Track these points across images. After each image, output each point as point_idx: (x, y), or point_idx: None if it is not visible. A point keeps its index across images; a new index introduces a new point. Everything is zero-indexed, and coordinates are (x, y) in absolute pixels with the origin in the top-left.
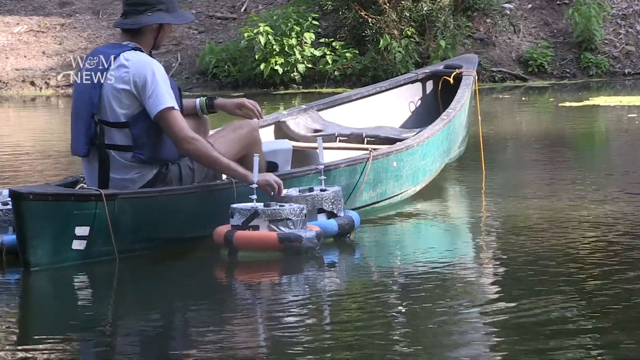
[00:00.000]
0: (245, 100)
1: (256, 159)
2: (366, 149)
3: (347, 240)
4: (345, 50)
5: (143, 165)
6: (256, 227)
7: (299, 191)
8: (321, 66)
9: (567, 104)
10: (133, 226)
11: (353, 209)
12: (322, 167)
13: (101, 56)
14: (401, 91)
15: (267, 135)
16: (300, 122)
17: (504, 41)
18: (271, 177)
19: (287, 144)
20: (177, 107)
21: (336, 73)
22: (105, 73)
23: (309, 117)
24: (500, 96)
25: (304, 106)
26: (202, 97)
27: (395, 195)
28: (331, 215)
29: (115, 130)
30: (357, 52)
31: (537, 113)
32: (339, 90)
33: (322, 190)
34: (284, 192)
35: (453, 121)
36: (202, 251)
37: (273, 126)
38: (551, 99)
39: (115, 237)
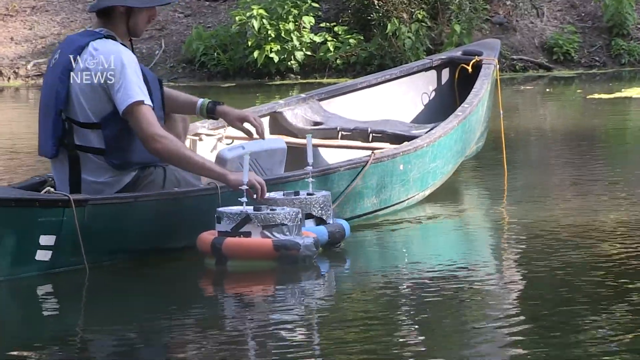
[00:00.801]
0: (250, 115)
1: (246, 158)
2: (372, 149)
3: (337, 250)
4: (349, 36)
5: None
6: (248, 234)
7: (284, 194)
8: (322, 54)
9: (597, 96)
10: (105, 235)
11: (353, 217)
12: (311, 167)
13: (72, 45)
14: (413, 80)
15: None
16: (298, 113)
17: (525, 26)
18: (255, 176)
19: (281, 143)
20: (148, 101)
21: (338, 61)
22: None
23: (308, 107)
24: (522, 87)
25: (303, 95)
26: (206, 99)
27: (401, 202)
28: (320, 221)
29: (87, 131)
30: (361, 38)
31: (562, 106)
32: (342, 80)
33: (309, 194)
34: (266, 194)
35: (469, 118)
36: (183, 261)
37: (268, 117)
38: (578, 91)
39: (86, 247)
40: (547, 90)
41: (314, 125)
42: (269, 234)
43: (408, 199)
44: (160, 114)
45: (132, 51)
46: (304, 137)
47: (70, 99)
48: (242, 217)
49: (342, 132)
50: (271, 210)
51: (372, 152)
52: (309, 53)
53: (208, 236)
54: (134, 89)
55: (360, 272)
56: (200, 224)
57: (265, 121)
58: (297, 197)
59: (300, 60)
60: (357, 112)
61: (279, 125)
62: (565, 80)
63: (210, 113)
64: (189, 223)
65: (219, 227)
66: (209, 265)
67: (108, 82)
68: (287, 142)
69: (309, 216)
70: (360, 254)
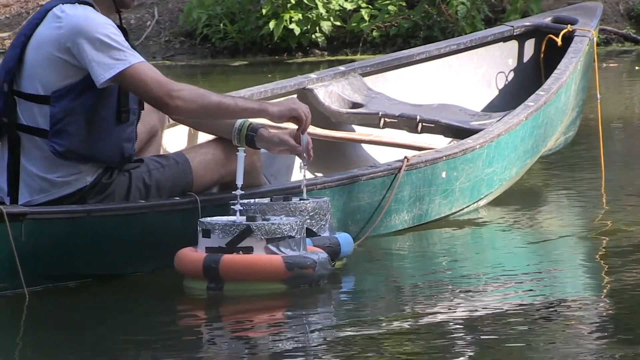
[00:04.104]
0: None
1: (241, 155)
2: (411, 147)
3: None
4: (388, 2)
5: (68, 163)
6: (249, 249)
7: (271, 199)
8: (354, 24)
9: None
10: (50, 256)
11: (375, 237)
12: (306, 166)
13: (38, 12)
14: (487, 52)
15: None
16: (334, 90)
17: None
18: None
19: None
20: (140, 58)
21: (374, 34)
22: (32, 30)
23: (348, 84)
24: (604, 65)
25: (342, 68)
26: (244, 119)
27: (442, 217)
28: (309, 233)
29: (31, 106)
30: (403, 4)
31: None
32: (378, 57)
33: (302, 199)
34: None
35: (544, 109)
36: (152, 284)
37: (295, 96)
38: None
39: (24, 269)
40: (637, 68)
41: (352, 107)
42: (275, 250)
43: (453, 213)
44: (135, 109)
45: (120, 26)
46: (340, 122)
47: (22, 68)
48: (242, 228)
49: (385, 119)
50: (265, 219)
51: (405, 158)
52: (337, 23)
53: (194, 254)
54: (120, 52)
55: (389, 299)
56: (175, 243)
57: None
58: (284, 202)
59: (327, 32)
60: (411, 93)
61: (308, 106)
62: None
63: (249, 140)
64: (159, 242)
65: (206, 242)
66: (191, 289)
67: (75, 49)
68: (314, 134)
69: None
70: (386, 272)
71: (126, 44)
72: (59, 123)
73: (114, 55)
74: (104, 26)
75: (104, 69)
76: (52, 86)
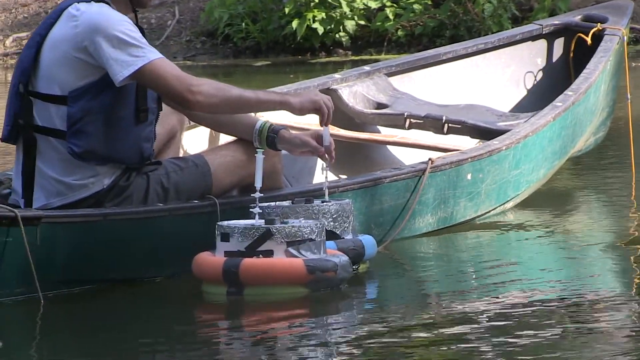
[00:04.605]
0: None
1: (259, 157)
2: (436, 148)
3: (357, 273)
4: (413, 1)
5: (86, 165)
6: (269, 253)
7: (292, 202)
8: (378, 23)
9: None
10: (64, 261)
11: (397, 240)
12: (328, 167)
13: (54, 11)
14: (515, 52)
15: None
16: (359, 90)
17: None
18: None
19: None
20: (158, 54)
21: (400, 33)
22: (48, 30)
23: (373, 84)
24: (634, 64)
25: (367, 68)
26: (265, 120)
27: (467, 220)
28: (332, 236)
29: (48, 106)
30: (429, 2)
31: None
32: (403, 57)
33: (323, 201)
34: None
35: (572, 110)
36: (170, 289)
37: (316, 86)
38: None
39: (39, 274)
40: None
41: (377, 108)
42: (295, 253)
43: (479, 216)
44: (153, 108)
45: (137, 23)
46: (365, 123)
47: (38, 68)
48: (262, 232)
49: (411, 120)
50: (290, 222)
51: (430, 160)
52: (362, 22)
53: (213, 259)
54: (138, 48)
55: (413, 306)
56: (193, 247)
57: None
58: (305, 205)
59: (351, 31)
60: (437, 93)
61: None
62: None
63: (270, 142)
64: (177, 247)
65: (225, 246)
66: (210, 294)
67: (92, 47)
68: (337, 135)
69: None
70: (410, 276)
71: (144, 40)
72: (77, 123)
73: (132, 52)
74: (121, 23)
75: (122, 67)
76: (69, 86)
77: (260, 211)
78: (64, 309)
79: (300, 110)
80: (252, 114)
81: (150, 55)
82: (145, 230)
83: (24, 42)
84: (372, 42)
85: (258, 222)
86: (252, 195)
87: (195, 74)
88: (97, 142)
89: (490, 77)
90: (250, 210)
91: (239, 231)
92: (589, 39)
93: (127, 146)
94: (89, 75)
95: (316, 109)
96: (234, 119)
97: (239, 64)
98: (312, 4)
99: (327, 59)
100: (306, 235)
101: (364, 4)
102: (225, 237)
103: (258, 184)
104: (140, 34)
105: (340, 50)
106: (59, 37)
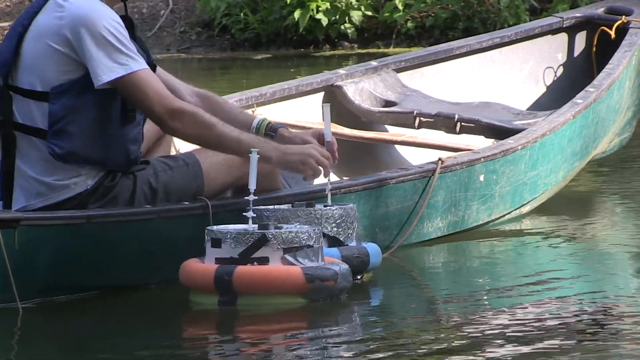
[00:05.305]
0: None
1: (254, 157)
2: (448, 148)
3: (357, 282)
4: None
5: (66, 166)
6: (264, 260)
7: (292, 206)
8: (387, 14)
9: None
10: (44, 267)
11: (403, 246)
12: (331, 169)
13: (38, 1)
14: (534, 46)
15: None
16: (365, 87)
17: None
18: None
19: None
20: (143, 65)
21: (409, 25)
22: (30, 20)
23: (380, 80)
24: None
25: (374, 63)
26: (263, 118)
27: (480, 225)
28: (334, 242)
29: (29, 103)
30: None
31: None
32: (413, 50)
33: (325, 206)
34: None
35: (595, 107)
36: (154, 298)
37: (322, 93)
38: None
39: (17, 280)
40: None
41: (385, 105)
42: (292, 260)
43: (492, 220)
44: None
45: (126, 16)
46: (372, 122)
47: (19, 61)
48: (257, 237)
49: (421, 118)
50: (286, 227)
51: (439, 159)
52: (369, 13)
53: (203, 266)
54: (123, 55)
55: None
56: (184, 253)
57: (318, 98)
58: (307, 209)
59: (357, 22)
60: (449, 90)
61: (336, 104)
62: None
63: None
64: (167, 252)
65: (216, 252)
66: (200, 303)
67: (76, 47)
68: (342, 135)
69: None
70: (417, 286)
71: (131, 45)
72: (59, 122)
73: (116, 57)
74: (109, 21)
75: (102, 71)
76: (51, 82)
77: (254, 215)
78: (44, 319)
79: (284, 168)
80: (249, 111)
81: (134, 65)
82: (132, 234)
83: (6, 32)
84: (379, 35)
85: (251, 226)
86: (245, 197)
87: (191, 68)
88: (79, 143)
89: (507, 73)
90: (244, 214)
91: (232, 237)
92: (612, 33)
93: (113, 148)
94: (73, 71)
95: (304, 165)
96: (227, 116)
97: (237, 57)
98: None
99: (332, 52)
100: (304, 242)
101: None
102: (217, 243)
103: (252, 185)
104: (129, 37)
105: (346, 43)
106: (42, 28)
